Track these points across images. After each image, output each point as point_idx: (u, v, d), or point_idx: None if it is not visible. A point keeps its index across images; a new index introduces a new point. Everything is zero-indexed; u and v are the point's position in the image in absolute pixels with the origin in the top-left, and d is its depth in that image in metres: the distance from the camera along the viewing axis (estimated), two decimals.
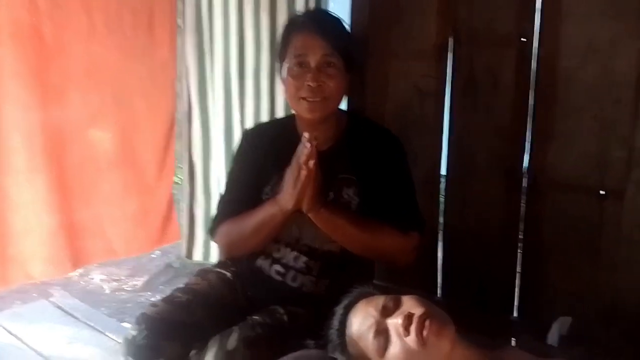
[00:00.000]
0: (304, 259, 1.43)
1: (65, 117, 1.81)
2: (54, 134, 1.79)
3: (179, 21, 2.13)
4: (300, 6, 1.88)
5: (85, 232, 1.93)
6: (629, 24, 1.46)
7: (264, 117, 2.03)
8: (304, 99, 1.38)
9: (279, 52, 1.45)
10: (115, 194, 2.00)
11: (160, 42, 2.09)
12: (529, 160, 1.66)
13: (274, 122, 1.73)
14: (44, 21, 1.72)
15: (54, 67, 1.76)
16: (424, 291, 1.76)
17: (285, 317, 1.34)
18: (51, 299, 2.19)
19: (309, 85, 1.36)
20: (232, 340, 1.24)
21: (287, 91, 1.43)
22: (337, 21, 1.47)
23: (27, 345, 1.89)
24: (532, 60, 1.62)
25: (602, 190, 1.54)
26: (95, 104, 1.89)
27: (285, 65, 1.41)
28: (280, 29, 1.90)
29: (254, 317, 1.32)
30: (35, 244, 1.81)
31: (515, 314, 1.73)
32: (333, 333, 1.12)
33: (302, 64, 1.37)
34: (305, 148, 1.24)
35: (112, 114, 1.95)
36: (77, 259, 1.93)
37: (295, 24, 1.44)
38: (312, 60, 1.37)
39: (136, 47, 2.00)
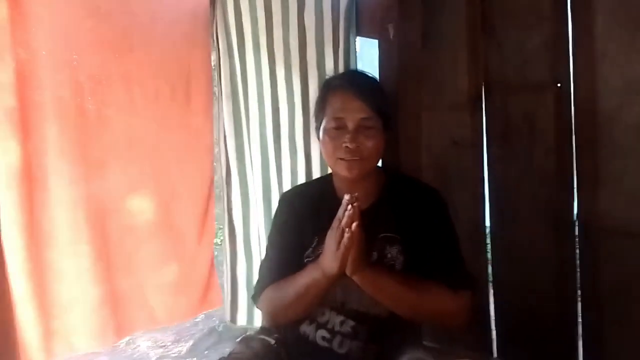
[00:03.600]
0: (351, 323, 1.37)
1: (106, 189, 1.85)
2: (96, 206, 1.83)
3: (215, 89, 2.20)
4: (329, 67, 1.91)
5: (128, 302, 1.92)
6: None
7: (301, 176, 2.03)
8: (341, 159, 1.37)
9: (316, 112, 1.47)
10: (156, 262, 2.00)
11: (196, 111, 2.14)
12: (578, 207, 1.59)
13: (311, 183, 1.72)
14: (86, 98, 1.80)
15: (95, 141, 1.82)
16: (478, 351, 1.67)
17: None
18: None
19: (347, 146, 1.35)
20: None
21: (325, 151, 1.43)
22: (374, 82, 1.49)
23: None
24: (571, 104, 1.58)
25: None
26: (134, 175, 1.94)
27: (323, 127, 1.42)
28: (311, 90, 1.96)
29: None
30: (79, 316, 1.81)
31: None
32: None
33: (340, 126, 1.38)
34: (347, 210, 1.22)
35: (151, 184, 1.99)
36: (120, 329, 1.92)
37: (333, 85, 1.45)
38: (350, 122, 1.37)
39: (173, 117, 2.05)
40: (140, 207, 1.96)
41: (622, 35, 1.48)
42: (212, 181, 2.20)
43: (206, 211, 2.16)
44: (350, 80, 1.44)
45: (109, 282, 1.86)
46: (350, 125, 1.37)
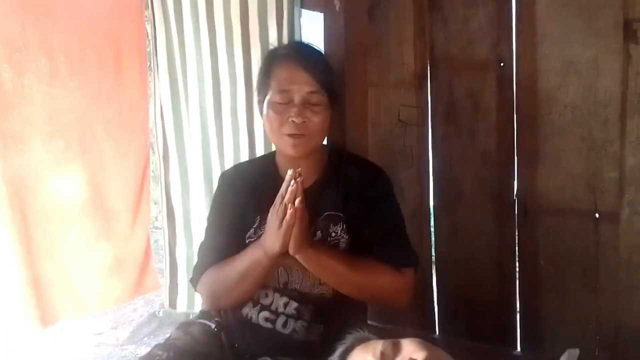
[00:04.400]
0: (294, 304, 1.34)
1: (26, 166, 1.71)
2: (16, 185, 1.68)
3: (150, 62, 2.08)
4: (272, 39, 1.84)
5: (53, 288, 1.80)
6: (609, 41, 1.45)
7: (243, 154, 1.96)
8: (288, 135, 1.32)
9: (259, 85, 1.40)
10: (85, 244, 1.88)
11: (129, 84, 2.02)
12: (518, 185, 1.62)
13: (253, 162, 1.66)
14: (1, 65, 1.64)
15: (13, 113, 1.67)
16: (421, 330, 1.69)
17: None
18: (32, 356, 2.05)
19: (293, 121, 1.30)
20: None
21: (269, 127, 1.37)
22: (321, 55, 1.44)
23: None
24: (513, 83, 1.59)
25: (596, 213, 1.51)
26: (58, 151, 1.79)
27: (267, 100, 1.35)
28: (254, 64, 1.88)
29: None
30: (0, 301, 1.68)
31: (518, 347, 1.65)
32: None
33: (285, 100, 1.32)
34: (290, 186, 1.17)
35: (78, 161, 1.86)
36: (46, 317, 1.79)
37: (278, 55, 1.38)
38: (297, 96, 1.32)
39: (102, 90, 1.92)
40: (66, 185, 1.82)
41: (563, 15, 1.50)
42: (147, 159, 2.09)
43: (141, 191, 2.06)
44: (297, 51, 1.39)
45: (31, 267, 1.73)
46: (297, 98, 1.32)
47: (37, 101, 1.72)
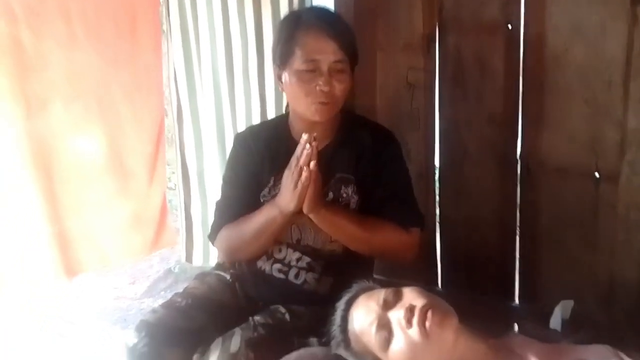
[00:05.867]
0: (306, 259, 1.41)
1: (49, 128, 1.78)
2: (39, 146, 1.76)
3: (163, 25, 2.11)
4: (284, 4, 1.86)
5: (76, 242, 1.90)
6: (616, 5, 1.45)
7: (255, 117, 2.01)
8: (314, 103, 1.33)
9: (281, 51, 1.37)
10: (105, 201, 1.97)
11: (144, 47, 2.06)
12: (521, 146, 1.66)
13: (266, 124, 1.69)
14: (22, 30, 1.69)
15: (35, 77, 1.73)
16: (424, 283, 1.77)
17: (287, 317, 1.33)
18: (53, 310, 2.17)
19: (321, 90, 1.31)
20: (235, 343, 1.23)
21: (293, 95, 1.37)
22: (345, 23, 1.40)
23: None
24: (520, 46, 1.61)
25: (597, 173, 1.55)
26: (78, 113, 1.86)
27: (292, 68, 1.34)
28: (265, 28, 1.91)
29: (255, 317, 1.31)
30: (27, 257, 1.79)
31: (516, 299, 1.73)
32: (335, 330, 1.12)
33: (312, 68, 1.32)
34: (305, 149, 1.22)
35: (97, 122, 1.93)
36: (70, 269, 1.91)
37: (302, 23, 1.35)
38: (324, 65, 1.31)
39: (118, 53, 1.97)
40: (87, 146, 1.90)
41: None
42: (162, 120, 2.16)
43: (157, 151, 2.13)
44: (323, 19, 1.36)
45: (57, 222, 1.83)
46: (324, 67, 1.31)
47: (56, 65, 1.78)
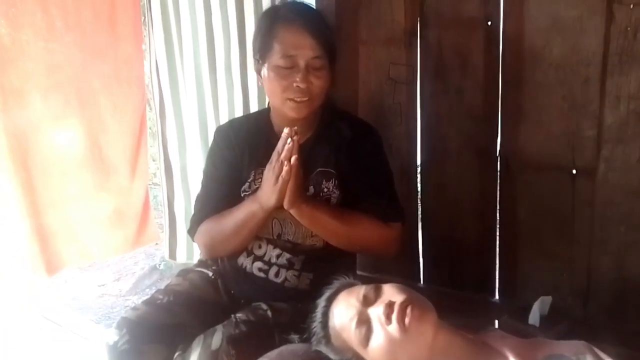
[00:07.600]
0: (286, 255, 1.41)
1: (27, 120, 1.75)
2: (17, 138, 1.73)
3: (145, 18, 2.08)
4: None
5: (56, 237, 1.88)
6: (593, 2, 1.47)
7: (238, 111, 2.00)
8: (291, 99, 1.33)
9: (260, 45, 1.37)
10: (86, 195, 1.95)
11: (123, 37, 2.03)
12: (501, 142, 1.68)
13: (247, 117, 1.69)
14: None
15: (12, 67, 1.69)
16: (405, 279, 1.79)
17: (268, 313, 1.34)
18: (36, 307, 2.14)
19: (298, 86, 1.31)
20: (217, 339, 1.23)
21: (271, 90, 1.37)
22: (323, 18, 1.41)
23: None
24: (500, 42, 1.62)
25: (574, 169, 1.57)
26: (57, 105, 1.83)
27: (270, 63, 1.34)
28: (247, 21, 1.89)
29: (237, 314, 1.31)
30: (5, 253, 1.76)
31: (495, 295, 1.75)
32: (316, 326, 1.12)
33: (290, 64, 1.32)
34: (286, 143, 1.22)
35: (76, 115, 1.90)
36: (50, 264, 1.88)
37: (280, 17, 1.36)
38: (302, 61, 1.31)
39: (98, 45, 1.94)
40: (66, 139, 1.87)
41: None
42: (144, 113, 2.13)
43: (139, 145, 2.11)
44: (301, 15, 1.36)
45: (35, 216, 1.80)
46: (301, 63, 1.32)
47: (34, 56, 1.75)
